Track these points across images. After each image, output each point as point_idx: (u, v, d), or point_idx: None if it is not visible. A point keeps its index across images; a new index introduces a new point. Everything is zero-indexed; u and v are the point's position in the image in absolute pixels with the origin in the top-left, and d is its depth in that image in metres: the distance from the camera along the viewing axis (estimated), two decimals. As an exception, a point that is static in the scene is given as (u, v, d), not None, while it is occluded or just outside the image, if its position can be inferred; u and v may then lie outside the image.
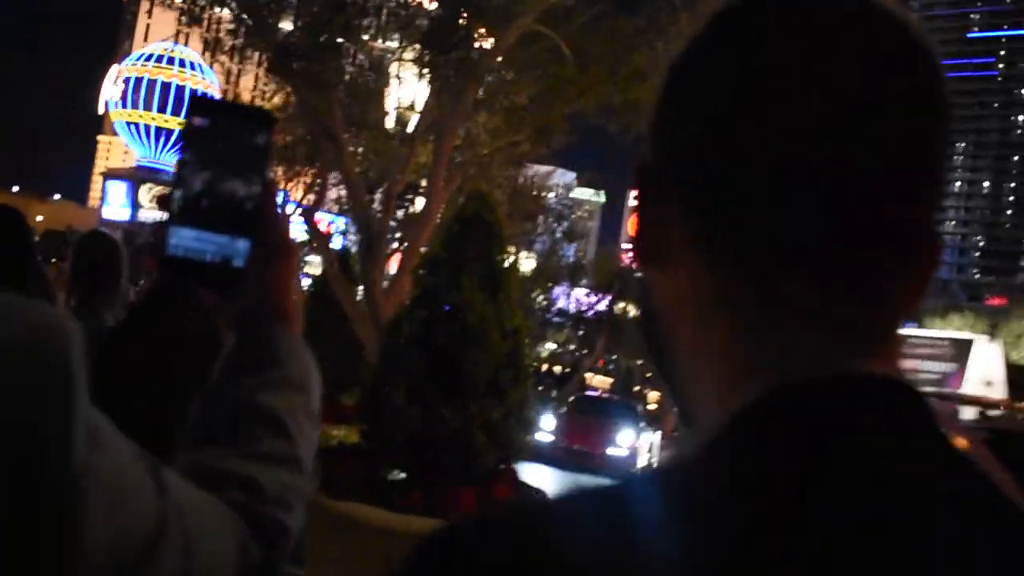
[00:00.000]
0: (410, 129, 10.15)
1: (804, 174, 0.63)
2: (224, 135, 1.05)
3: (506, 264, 6.84)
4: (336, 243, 14.06)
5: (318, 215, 11.58)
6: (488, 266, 6.66)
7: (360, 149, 9.51)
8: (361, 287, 9.21)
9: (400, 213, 10.11)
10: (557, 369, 39.13)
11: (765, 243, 0.64)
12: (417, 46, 9.05)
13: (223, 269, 1.06)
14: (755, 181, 0.64)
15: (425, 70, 8.86)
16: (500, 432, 6.44)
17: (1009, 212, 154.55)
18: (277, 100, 11.55)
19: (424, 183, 10.79)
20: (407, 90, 9.84)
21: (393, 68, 9.57)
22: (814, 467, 0.58)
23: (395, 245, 9.71)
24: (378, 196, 9.77)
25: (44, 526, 0.70)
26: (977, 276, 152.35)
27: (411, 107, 10.70)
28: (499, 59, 8.46)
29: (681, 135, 0.68)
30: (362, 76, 9.46)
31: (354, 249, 14.53)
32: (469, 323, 6.35)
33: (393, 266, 11.17)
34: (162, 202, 1.05)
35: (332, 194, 13.42)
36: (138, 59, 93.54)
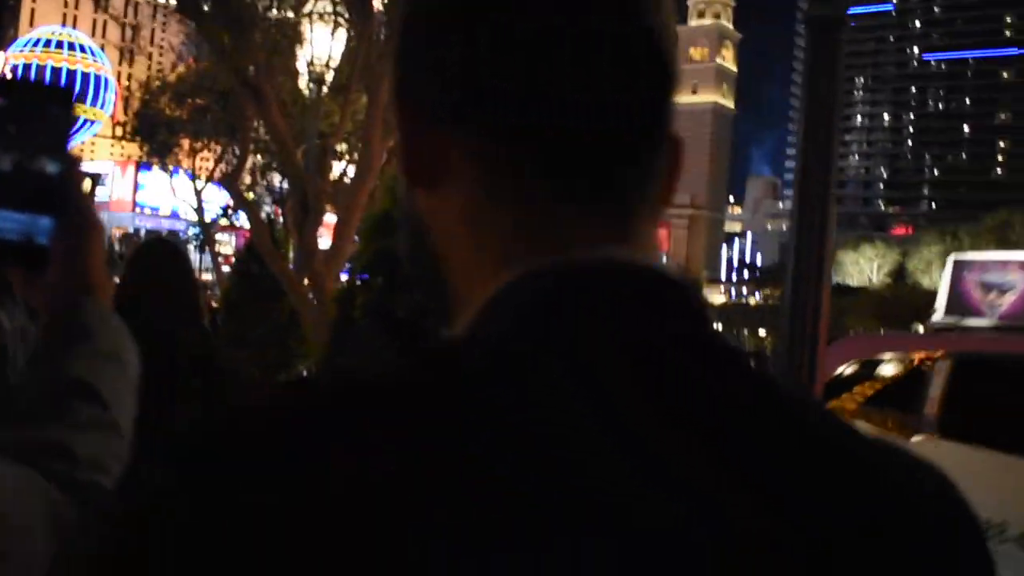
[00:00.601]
0: (329, 78, 9.31)
1: (549, 75, 0.64)
2: (22, 113, 1.04)
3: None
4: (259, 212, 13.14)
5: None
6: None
7: (284, 100, 8.59)
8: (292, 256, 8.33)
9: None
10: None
11: (518, 146, 0.65)
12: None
13: (27, 247, 1.06)
14: (509, 84, 0.65)
15: (351, 13, 8.00)
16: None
17: (909, 143, 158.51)
18: (184, 63, 10.62)
19: (342, 147, 9.98)
20: (332, 37, 8.95)
21: (318, 7, 8.63)
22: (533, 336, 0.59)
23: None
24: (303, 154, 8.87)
25: None
26: (882, 207, 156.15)
27: (328, 63, 9.84)
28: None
29: (438, 51, 0.67)
30: (283, 15, 8.56)
31: (280, 216, 13.64)
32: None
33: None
34: None
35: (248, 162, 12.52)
36: (25, 45, 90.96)
